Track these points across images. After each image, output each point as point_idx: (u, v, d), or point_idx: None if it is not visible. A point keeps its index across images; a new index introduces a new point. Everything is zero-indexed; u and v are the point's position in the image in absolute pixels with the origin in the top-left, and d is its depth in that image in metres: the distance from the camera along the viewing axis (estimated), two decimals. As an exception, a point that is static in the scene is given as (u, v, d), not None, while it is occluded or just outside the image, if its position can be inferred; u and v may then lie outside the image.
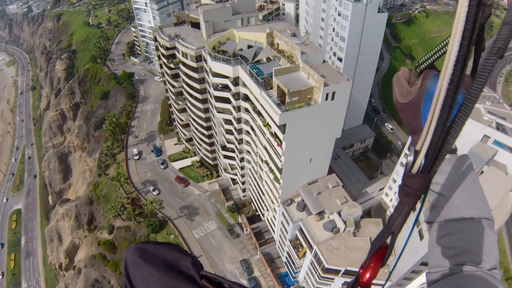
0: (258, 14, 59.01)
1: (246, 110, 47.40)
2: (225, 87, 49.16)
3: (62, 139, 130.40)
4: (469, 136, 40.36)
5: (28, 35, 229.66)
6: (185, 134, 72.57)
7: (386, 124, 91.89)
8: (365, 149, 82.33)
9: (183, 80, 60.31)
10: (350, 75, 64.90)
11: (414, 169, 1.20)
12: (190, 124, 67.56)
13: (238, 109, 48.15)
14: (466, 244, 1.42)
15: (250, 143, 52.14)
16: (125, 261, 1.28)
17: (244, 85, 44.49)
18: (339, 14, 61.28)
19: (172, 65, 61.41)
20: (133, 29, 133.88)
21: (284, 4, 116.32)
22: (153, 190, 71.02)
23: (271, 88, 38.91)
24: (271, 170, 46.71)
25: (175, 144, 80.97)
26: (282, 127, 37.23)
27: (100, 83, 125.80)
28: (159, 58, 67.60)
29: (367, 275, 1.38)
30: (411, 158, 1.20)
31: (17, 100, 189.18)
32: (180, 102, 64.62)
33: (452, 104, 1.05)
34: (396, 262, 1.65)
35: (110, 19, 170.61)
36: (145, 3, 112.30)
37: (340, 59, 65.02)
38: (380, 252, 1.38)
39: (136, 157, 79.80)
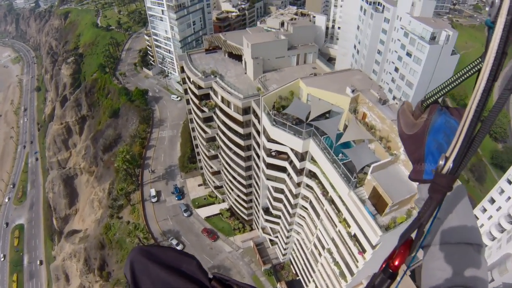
0: (317, 49, 48.72)
1: (308, 186, 37.86)
2: (280, 153, 39.42)
3: (67, 155, 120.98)
4: None
5: (35, 31, 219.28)
6: (213, 181, 62.62)
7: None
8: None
9: (219, 127, 50.34)
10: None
11: (444, 171, 1.38)
12: (222, 173, 57.69)
13: (298, 185, 38.49)
14: (459, 267, 1.51)
15: (305, 218, 42.69)
16: (131, 260, 1.26)
17: (313, 160, 34.79)
18: (408, 54, 51.01)
19: (205, 109, 51.12)
20: (146, 37, 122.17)
21: (314, 17, 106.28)
22: (177, 245, 61.54)
23: (361, 185, 29.27)
24: (337, 264, 37.39)
25: (199, 185, 70.71)
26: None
27: (109, 96, 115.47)
28: (186, 92, 57.30)
29: (397, 261, 1.56)
30: (441, 162, 1.38)
31: (21, 102, 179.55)
32: (212, 151, 54.55)
33: (475, 125, 1.26)
34: (402, 276, 1.75)
35: (120, 21, 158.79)
36: (162, 10, 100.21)
37: (403, 106, 54.85)
38: (407, 242, 1.56)
39: (154, 199, 69.64)
